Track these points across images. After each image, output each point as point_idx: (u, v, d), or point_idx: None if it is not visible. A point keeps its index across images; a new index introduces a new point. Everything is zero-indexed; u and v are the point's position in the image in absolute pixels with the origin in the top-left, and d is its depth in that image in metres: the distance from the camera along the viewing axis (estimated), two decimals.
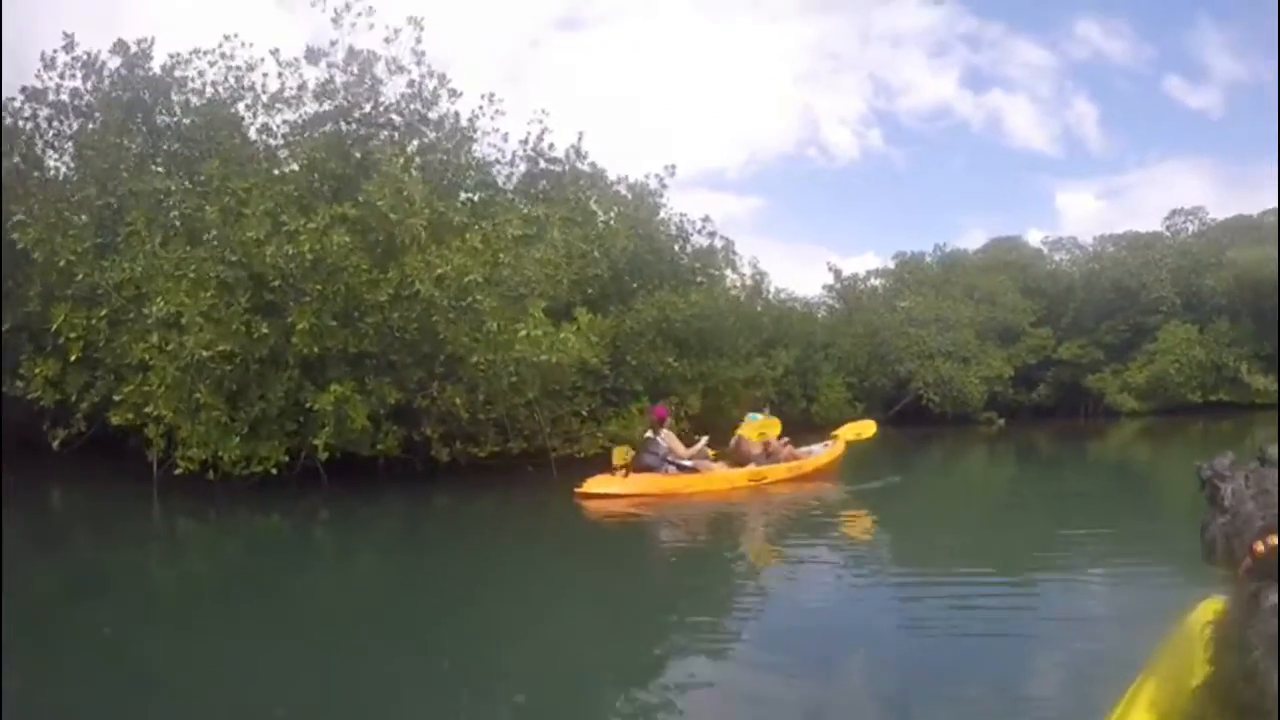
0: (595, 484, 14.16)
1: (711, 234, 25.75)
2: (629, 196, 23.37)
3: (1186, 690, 2.33)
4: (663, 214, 24.21)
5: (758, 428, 16.78)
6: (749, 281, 31.11)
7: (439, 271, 13.90)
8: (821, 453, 17.37)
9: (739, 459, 16.12)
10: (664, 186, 23.74)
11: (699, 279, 23.60)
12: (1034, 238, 48.71)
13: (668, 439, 15.33)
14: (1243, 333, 38.43)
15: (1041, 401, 41.22)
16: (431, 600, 8.50)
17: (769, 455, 16.27)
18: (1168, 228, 44.80)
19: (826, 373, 33.88)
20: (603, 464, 16.93)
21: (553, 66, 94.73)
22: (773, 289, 34.62)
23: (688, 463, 15.24)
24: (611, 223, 21.39)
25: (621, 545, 12.14)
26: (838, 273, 43.58)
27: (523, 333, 14.15)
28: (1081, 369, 40.76)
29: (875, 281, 44.57)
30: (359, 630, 7.40)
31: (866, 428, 18.94)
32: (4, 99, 17.27)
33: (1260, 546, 2.13)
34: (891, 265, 46.06)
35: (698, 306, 20.72)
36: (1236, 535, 2.18)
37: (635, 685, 6.12)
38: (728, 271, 28.27)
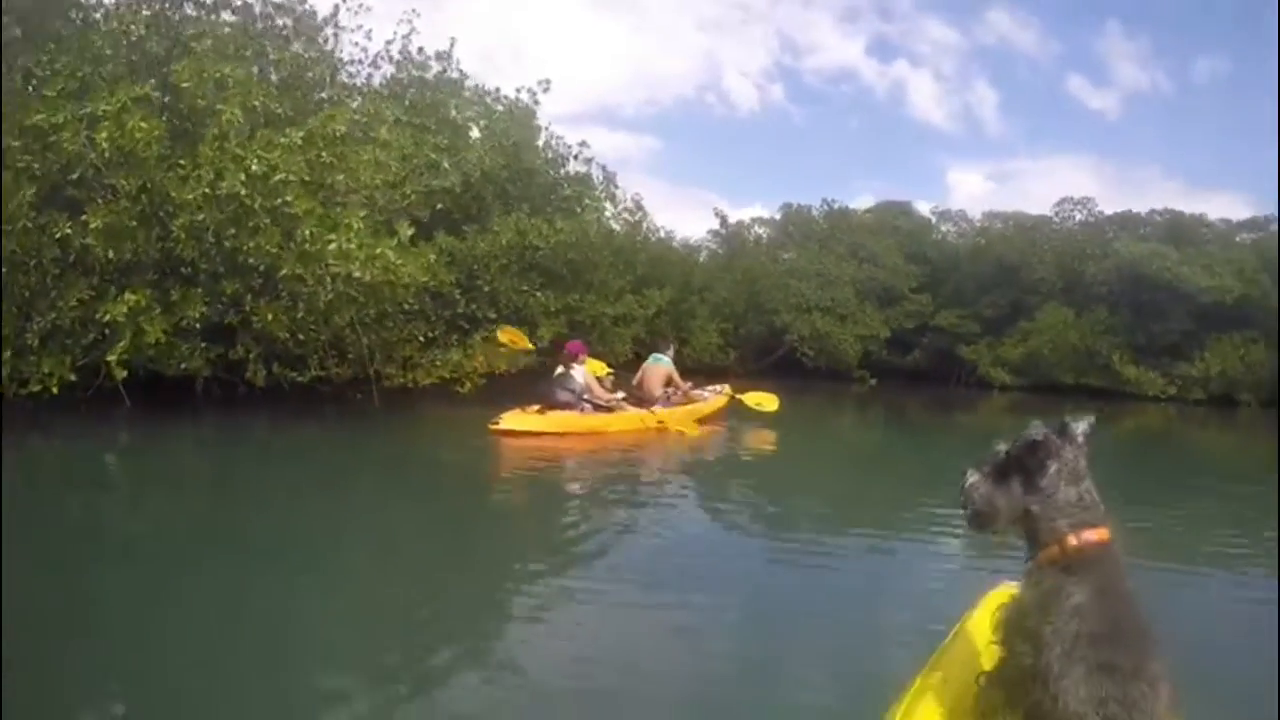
0: (511, 420, 13.43)
1: (588, 160, 24.51)
2: (498, 109, 21.88)
3: (974, 680, 2.63)
4: (540, 137, 22.85)
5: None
6: (629, 216, 30.18)
7: (251, 167, 12.31)
8: (711, 398, 17.67)
9: (642, 398, 16.10)
10: (536, 102, 22.34)
11: (575, 207, 22.41)
12: (923, 208, 48.73)
13: (585, 377, 14.87)
14: (1119, 323, 38.83)
15: (915, 366, 41.18)
16: (225, 540, 7.35)
17: (669, 397, 16.52)
18: (1056, 214, 44.84)
19: (701, 317, 33.17)
20: (441, 394, 16.05)
21: None
22: (656, 228, 33.73)
23: (601, 401, 14.93)
24: (474, 133, 20.04)
25: (443, 480, 11.08)
26: (723, 218, 43.14)
27: (333, 245, 12.53)
28: (957, 338, 40.74)
29: (759, 230, 44.12)
30: (132, 568, 6.45)
31: (769, 401, 18.01)
32: None
33: (1073, 540, 2.41)
34: (778, 217, 45.49)
35: (564, 234, 19.30)
36: (1047, 520, 2.50)
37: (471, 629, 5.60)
38: (607, 204, 27.37)
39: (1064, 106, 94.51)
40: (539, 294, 19.74)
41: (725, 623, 5.82)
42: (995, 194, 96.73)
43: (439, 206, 16.75)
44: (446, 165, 16.59)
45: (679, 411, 16.19)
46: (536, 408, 14.06)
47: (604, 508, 9.48)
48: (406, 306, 15.50)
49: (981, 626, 2.77)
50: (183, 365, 13.75)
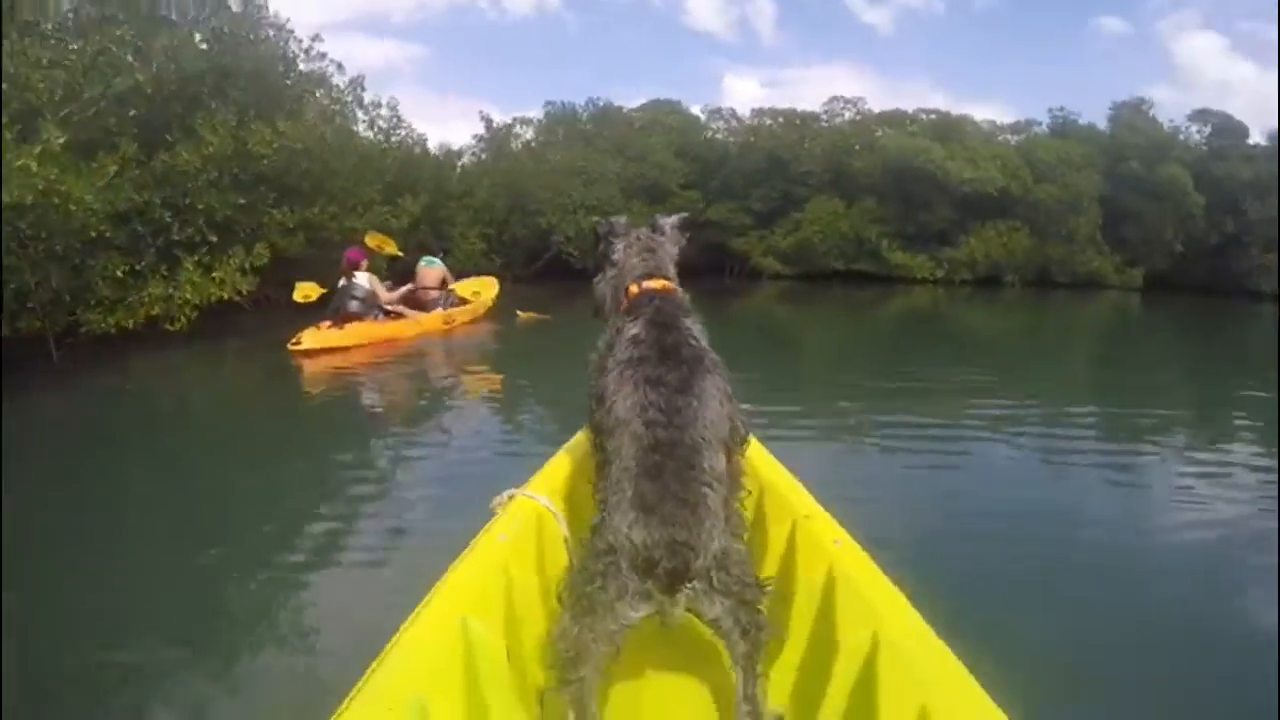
0: (311, 338, 13.13)
1: (322, 56, 22.02)
2: None
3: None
4: (269, 34, 19.85)
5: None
6: (382, 123, 27.86)
7: None
8: (483, 295, 18.28)
9: (420, 302, 16.40)
10: None
11: (306, 110, 20.00)
12: (696, 109, 48.46)
13: (371, 283, 14.97)
14: (888, 213, 40.47)
15: (688, 260, 39.42)
16: None
17: (447, 298, 16.95)
18: (825, 112, 45.81)
19: (462, 223, 31.17)
20: (151, 338, 13.93)
21: None
22: (413, 134, 31.10)
23: (391, 305, 15.31)
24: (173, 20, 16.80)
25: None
26: (488, 122, 41.05)
27: None
28: (729, 231, 41.09)
29: (523, 131, 42.39)
30: None
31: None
32: None
33: (634, 288, 2.90)
34: (543, 118, 43.97)
35: (289, 138, 16.95)
36: (620, 284, 3.00)
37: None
38: (357, 111, 25.18)
39: (839, 20, 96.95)
40: (273, 210, 17.54)
41: None
42: (769, 99, 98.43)
43: (133, 113, 14.07)
44: (132, 60, 13.82)
45: (461, 311, 16.61)
46: (328, 323, 13.86)
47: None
48: (95, 236, 12.84)
49: None
50: None
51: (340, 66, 23.23)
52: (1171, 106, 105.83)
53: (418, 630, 2.28)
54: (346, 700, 1.95)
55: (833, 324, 23.70)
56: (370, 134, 26.76)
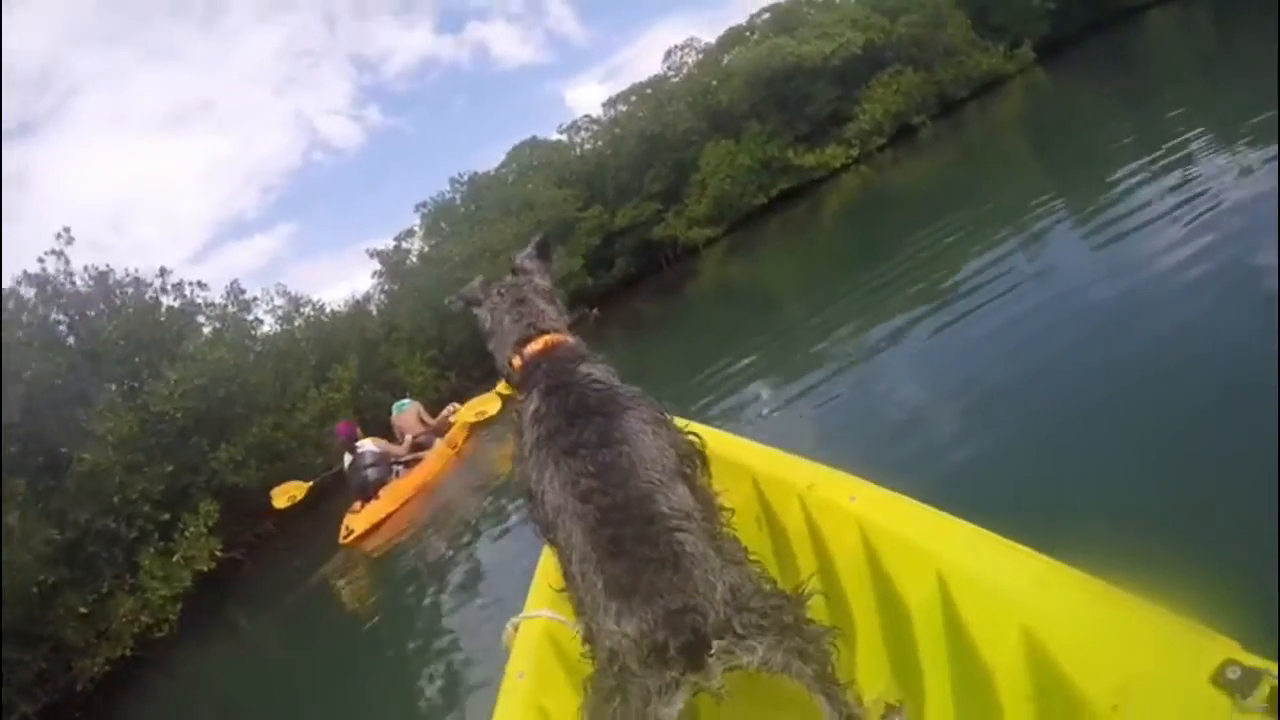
0: (356, 522, 12.62)
1: (180, 286, 21.23)
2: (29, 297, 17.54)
3: None
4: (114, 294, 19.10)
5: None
6: (279, 312, 26.90)
7: None
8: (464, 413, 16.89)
9: (418, 445, 15.50)
10: (61, 256, 18.27)
11: (190, 345, 18.91)
12: (552, 136, 47.61)
13: (378, 444, 14.46)
14: (775, 124, 38.92)
15: (627, 273, 40.00)
16: None
17: (433, 427, 16.20)
18: (668, 67, 45.09)
19: (402, 360, 30.02)
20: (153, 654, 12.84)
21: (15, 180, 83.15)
22: (316, 305, 29.96)
23: (407, 456, 14.72)
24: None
25: None
26: (380, 254, 40.23)
27: None
28: (645, 225, 39.84)
29: (408, 244, 42.50)
30: None
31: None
32: None
33: (516, 361, 2.53)
34: (418, 228, 43.82)
35: (182, 382, 16.05)
36: (503, 359, 2.62)
37: None
38: (247, 316, 24.14)
39: None
40: (214, 454, 16.52)
41: None
42: (614, 89, 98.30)
43: (12, 449, 12.95)
44: None
45: (457, 430, 15.76)
46: (359, 503, 13.20)
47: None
48: (39, 587, 11.63)
49: None
50: None
51: (201, 284, 22.34)
52: None
53: None
54: None
55: (788, 255, 22.69)
56: (273, 329, 25.77)
